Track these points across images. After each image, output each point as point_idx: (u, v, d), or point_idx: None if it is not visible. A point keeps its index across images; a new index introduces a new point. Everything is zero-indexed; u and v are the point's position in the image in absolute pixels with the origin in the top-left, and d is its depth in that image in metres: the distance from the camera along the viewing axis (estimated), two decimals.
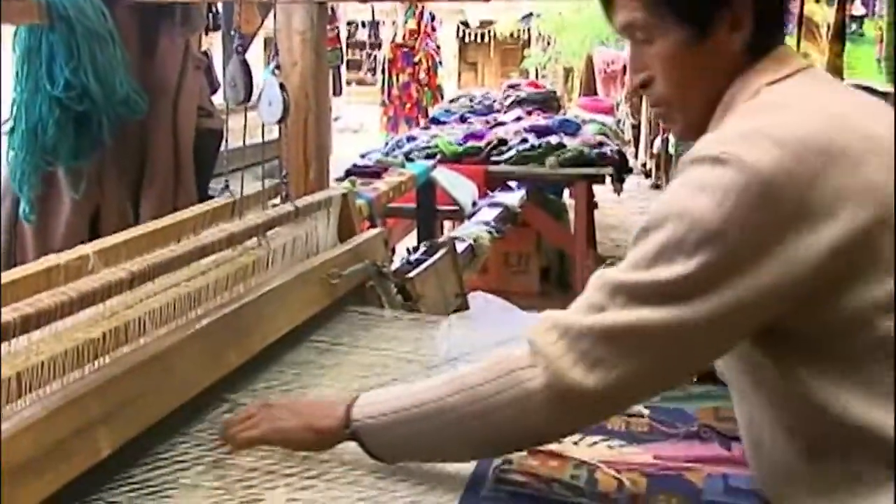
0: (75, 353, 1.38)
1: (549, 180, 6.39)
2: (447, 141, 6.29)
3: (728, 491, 1.47)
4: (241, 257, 1.90)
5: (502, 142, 6.26)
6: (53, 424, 1.25)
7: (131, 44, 2.77)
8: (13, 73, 2.60)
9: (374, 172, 4.23)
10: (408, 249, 2.89)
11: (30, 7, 2.53)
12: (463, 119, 7.41)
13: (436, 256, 2.71)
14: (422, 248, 2.82)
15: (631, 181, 9.48)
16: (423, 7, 11.09)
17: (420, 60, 11.00)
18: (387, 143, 6.84)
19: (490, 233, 4.32)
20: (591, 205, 7.34)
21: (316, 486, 1.42)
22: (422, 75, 11.00)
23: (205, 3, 3.18)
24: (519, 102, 7.88)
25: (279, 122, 2.24)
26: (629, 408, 1.65)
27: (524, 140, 6.26)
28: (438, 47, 11.66)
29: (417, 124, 9.57)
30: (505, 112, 7.58)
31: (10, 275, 1.52)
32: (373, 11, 11.14)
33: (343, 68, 10.64)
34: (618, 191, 6.86)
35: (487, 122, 7.05)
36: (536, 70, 15.77)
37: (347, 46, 11.70)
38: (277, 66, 2.34)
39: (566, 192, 7.25)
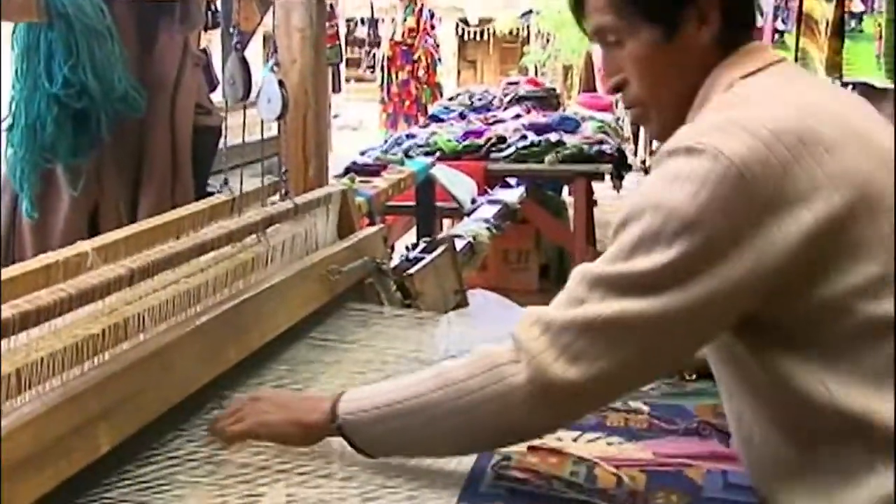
0: (75, 350, 1.38)
1: (548, 177, 6.39)
2: (446, 138, 6.29)
3: (727, 487, 1.47)
4: (241, 254, 1.90)
5: (501, 139, 6.26)
6: (53, 421, 1.25)
7: (130, 41, 2.76)
8: (12, 71, 2.60)
9: (374, 170, 4.23)
10: (407, 247, 2.89)
11: (28, 5, 2.52)
12: (462, 116, 7.41)
13: (435, 253, 2.71)
14: (421, 246, 2.82)
15: (630, 178, 9.48)
16: (422, 4, 11.09)
17: (419, 58, 10.99)
18: (386, 141, 6.84)
19: (489, 230, 4.32)
20: (591, 202, 7.33)
21: (316, 482, 1.42)
22: (421, 73, 10.99)
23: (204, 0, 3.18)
24: (518, 100, 7.88)
25: (278, 119, 2.24)
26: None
27: (523, 137, 6.26)
28: (437, 45, 11.65)
29: (416, 122, 9.57)
30: (504, 109, 7.57)
31: (8, 272, 1.51)
32: (372, 9, 11.13)
33: (342, 66, 10.64)
34: (617, 188, 6.86)
35: (486, 120, 7.04)
36: (536, 67, 15.76)
37: (347, 44, 11.70)
38: (276, 64, 2.33)
39: (565, 190, 7.26)
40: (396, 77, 11.01)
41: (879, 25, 3.51)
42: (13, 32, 2.60)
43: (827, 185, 1.24)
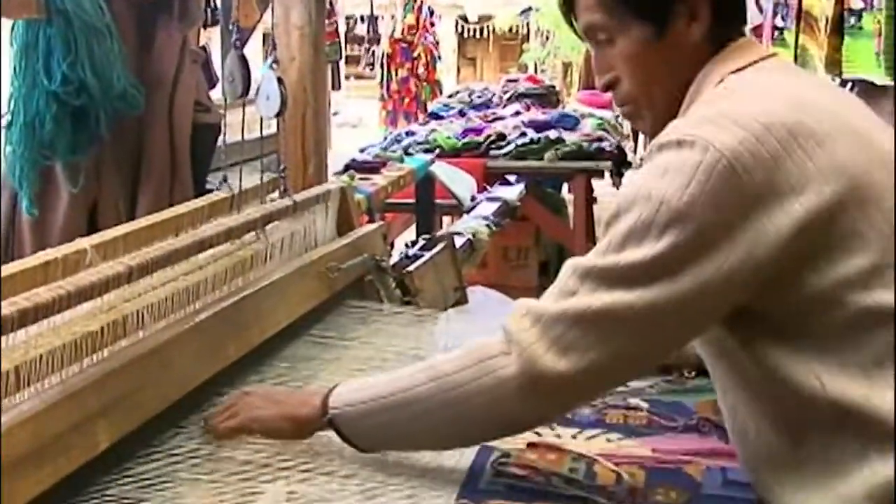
0: (73, 347, 1.38)
1: (547, 174, 6.39)
2: (446, 135, 6.29)
3: (727, 484, 1.47)
4: (240, 251, 1.90)
5: (501, 136, 6.26)
6: (52, 418, 1.25)
7: (128, 38, 2.76)
8: (10, 68, 2.60)
9: (373, 167, 4.24)
10: (406, 244, 2.89)
11: (28, 1, 2.52)
12: (462, 114, 7.40)
13: (434, 251, 2.71)
14: (420, 243, 2.82)
15: (630, 175, 9.47)
16: (421, 2, 11.08)
17: (419, 55, 10.98)
18: (385, 138, 6.83)
19: (489, 227, 4.32)
20: (590, 199, 7.33)
21: (315, 479, 1.42)
22: (420, 70, 10.98)
23: None
24: (518, 97, 7.87)
25: (277, 116, 2.24)
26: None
27: (523, 134, 6.26)
28: (437, 42, 11.65)
29: (416, 119, 9.57)
30: (503, 107, 7.56)
31: (7, 269, 1.51)
32: (371, 6, 11.10)
33: (342, 63, 10.63)
34: (616, 185, 6.86)
35: (486, 117, 7.04)
36: (535, 65, 15.77)
37: (346, 41, 11.69)
38: (275, 61, 2.33)
39: (565, 187, 7.26)
40: (396, 74, 10.99)
41: (879, 22, 3.50)
42: (12, 29, 2.60)
43: (817, 177, 1.25)
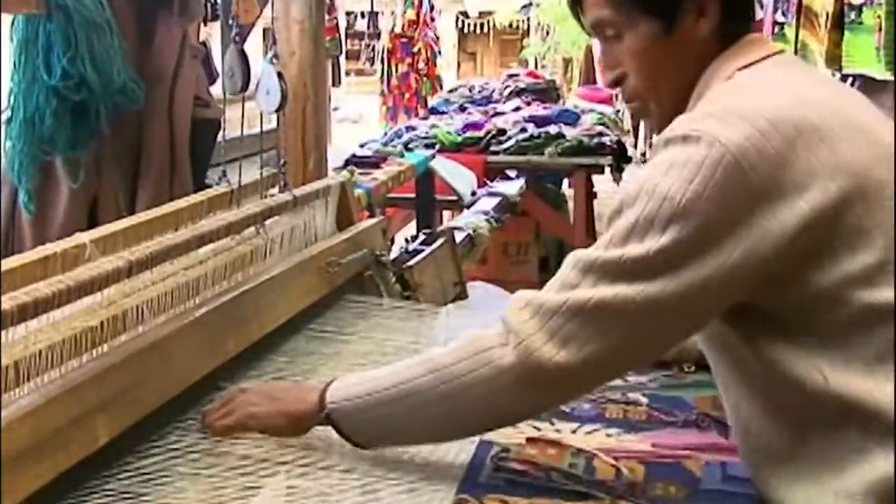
0: (73, 342, 1.38)
1: (548, 170, 6.38)
2: (446, 131, 6.29)
3: (726, 479, 1.47)
4: (240, 246, 1.89)
5: (501, 132, 6.25)
6: (51, 413, 1.25)
7: (128, 33, 2.76)
8: (10, 64, 2.60)
9: (373, 162, 4.22)
10: (406, 239, 2.89)
11: None
12: (462, 109, 7.40)
13: (434, 246, 2.71)
14: (420, 238, 2.82)
15: (630, 171, 9.48)
16: None
17: (419, 50, 10.98)
18: (386, 133, 6.83)
19: (489, 222, 4.31)
20: (591, 194, 7.33)
21: (315, 474, 1.42)
22: (421, 65, 10.97)
23: None
24: (518, 92, 7.86)
25: (277, 111, 2.24)
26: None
27: (523, 130, 6.26)
28: (437, 37, 11.64)
29: (416, 114, 9.56)
30: (504, 102, 7.56)
31: (6, 263, 1.51)
32: (372, 1, 11.12)
33: (342, 58, 10.63)
34: (617, 180, 6.86)
35: (486, 112, 7.03)
36: (536, 60, 15.76)
37: (346, 36, 11.68)
38: (275, 56, 2.33)
39: (565, 182, 7.25)
40: (396, 70, 10.98)
41: (879, 17, 3.50)
42: (12, 24, 2.59)
43: (822, 174, 1.25)
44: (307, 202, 2.17)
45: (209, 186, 2.51)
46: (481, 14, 19.87)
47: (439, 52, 11.57)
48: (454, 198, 4.83)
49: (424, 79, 10.90)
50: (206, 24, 3.44)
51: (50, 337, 1.35)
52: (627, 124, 11.02)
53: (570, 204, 6.61)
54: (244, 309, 1.75)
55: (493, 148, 6.14)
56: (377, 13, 11.32)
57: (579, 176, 6.26)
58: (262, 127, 2.23)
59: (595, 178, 7.13)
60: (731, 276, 1.25)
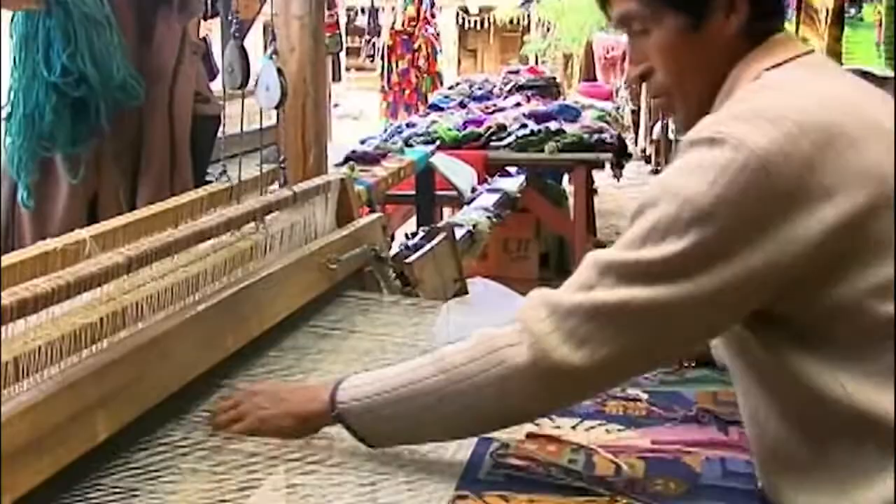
0: (73, 338, 1.38)
1: (548, 166, 6.39)
2: (446, 127, 6.29)
3: (726, 475, 1.47)
4: (239, 242, 1.89)
5: (501, 128, 6.26)
6: (51, 409, 1.24)
7: (128, 29, 2.76)
8: (10, 60, 2.60)
9: (374, 159, 4.23)
10: (406, 235, 2.89)
11: None
12: (462, 105, 7.41)
13: (434, 242, 2.71)
14: (420, 234, 2.82)
15: (631, 167, 9.48)
16: None
17: (419, 47, 10.98)
18: (386, 130, 6.84)
19: (489, 218, 4.32)
20: (591, 191, 7.34)
21: (315, 470, 1.42)
22: (421, 62, 10.98)
23: None
24: (518, 88, 7.88)
25: (277, 107, 2.24)
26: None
27: (523, 126, 6.27)
28: (438, 34, 11.64)
29: (417, 111, 9.57)
30: (504, 98, 7.58)
31: (6, 259, 1.51)
32: None
33: (342, 55, 10.62)
34: (617, 176, 6.88)
35: (486, 109, 7.04)
36: (536, 56, 15.75)
37: (347, 33, 11.68)
38: (275, 52, 2.33)
39: (565, 178, 7.26)
40: (396, 66, 10.99)
41: (879, 13, 3.50)
42: (11, 20, 2.59)
43: (851, 181, 1.22)
44: (307, 198, 2.17)
45: (209, 182, 2.51)
46: (481, 10, 19.86)
47: (440, 50, 11.59)
48: (454, 194, 4.83)
49: (425, 75, 10.91)
50: (206, 21, 3.44)
51: (49, 333, 1.35)
52: (628, 121, 11.04)
53: (571, 200, 6.62)
54: (244, 305, 1.75)
55: (493, 144, 6.15)
56: (377, 9, 11.32)
57: (579, 172, 6.27)
58: (261, 123, 2.24)
59: (595, 174, 7.14)
60: (751, 283, 1.24)
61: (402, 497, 1.36)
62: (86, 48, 2.55)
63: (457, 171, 4.94)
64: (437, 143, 5.87)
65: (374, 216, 2.51)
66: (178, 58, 2.91)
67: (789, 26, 4.33)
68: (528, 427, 1.57)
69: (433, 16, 11.39)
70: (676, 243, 1.24)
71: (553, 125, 6.27)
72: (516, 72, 8.81)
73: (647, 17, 1.40)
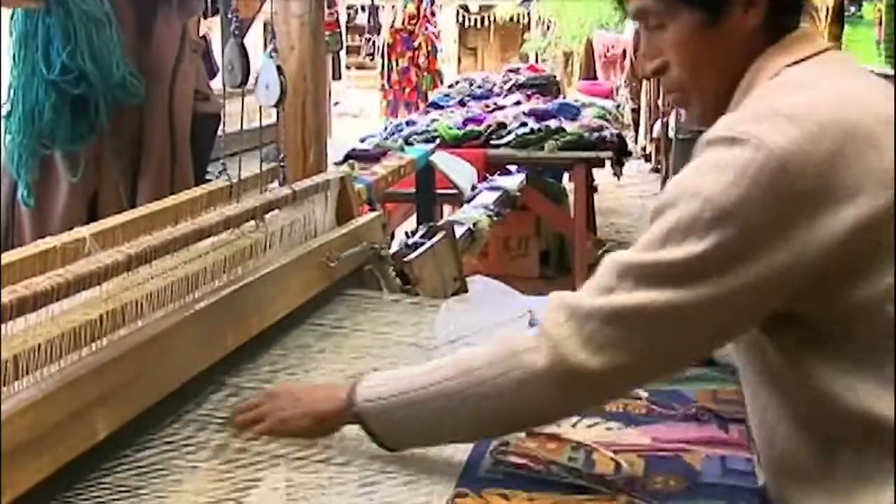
0: (72, 336, 1.38)
1: (548, 164, 6.39)
2: (446, 125, 6.29)
3: (726, 473, 1.47)
4: (239, 240, 1.89)
5: (502, 126, 6.26)
6: (50, 406, 1.25)
7: (128, 27, 2.76)
8: (10, 57, 2.60)
9: (374, 157, 4.23)
10: (406, 233, 2.89)
11: None
12: (462, 103, 7.41)
13: (434, 240, 2.70)
14: (420, 232, 2.81)
15: (631, 165, 9.49)
16: None
17: (419, 45, 10.98)
18: (386, 128, 6.84)
19: (489, 216, 4.31)
20: (591, 189, 7.34)
21: (314, 467, 1.42)
22: (421, 60, 10.98)
23: None
24: (518, 87, 7.88)
25: (276, 105, 2.24)
26: (634, 390, 1.64)
27: (524, 124, 6.27)
28: (438, 32, 11.64)
29: (417, 109, 9.57)
30: (504, 96, 7.58)
31: (6, 257, 1.51)
32: None
33: (342, 53, 10.63)
34: (617, 175, 6.87)
35: (487, 107, 7.05)
36: (536, 54, 15.76)
37: (347, 31, 11.69)
38: (275, 50, 2.33)
39: (566, 176, 7.27)
40: (397, 64, 10.99)
41: (879, 11, 3.51)
42: (11, 18, 2.59)
43: (873, 181, 1.21)
44: (307, 196, 2.17)
45: (209, 181, 2.51)
46: (482, 8, 19.85)
47: (441, 49, 11.59)
48: (454, 192, 4.82)
49: (425, 73, 10.91)
50: (206, 19, 3.44)
51: (49, 331, 1.35)
52: (628, 119, 11.04)
53: (571, 198, 6.62)
54: (244, 303, 1.75)
55: (493, 142, 6.15)
56: (377, 8, 11.32)
57: (579, 170, 6.27)
58: (261, 121, 2.23)
59: (595, 172, 7.13)
60: (771, 283, 1.22)
61: (402, 495, 1.36)
62: (85, 46, 2.56)
63: (457, 169, 4.93)
64: (438, 141, 5.87)
65: (374, 214, 2.51)
66: (177, 56, 2.92)
67: None
68: None
69: (433, 14, 11.39)
70: (697, 244, 1.22)
71: (553, 123, 6.27)
72: (516, 70, 8.81)
73: (663, 12, 1.38)
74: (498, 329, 2.05)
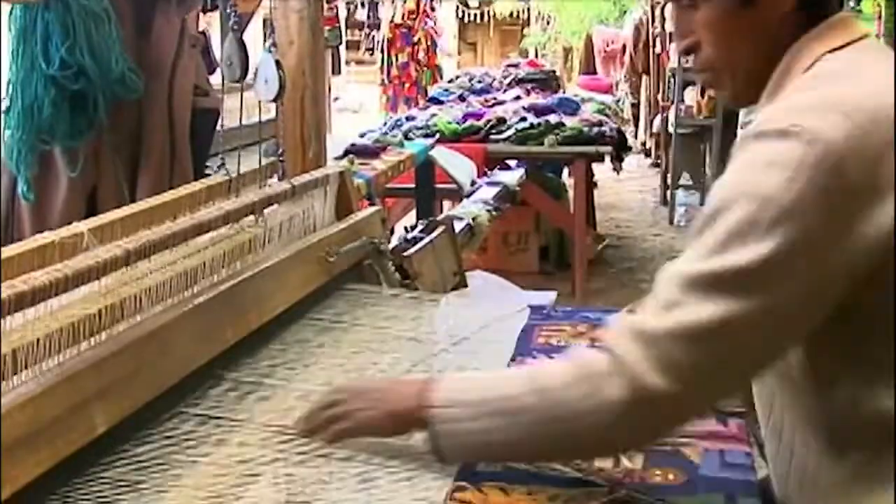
0: (71, 330, 1.38)
1: (548, 159, 6.40)
2: (446, 120, 6.30)
3: (725, 466, 1.46)
4: (238, 235, 1.89)
5: (501, 121, 6.27)
6: (50, 401, 1.25)
7: (126, 23, 2.76)
8: (8, 53, 2.60)
9: (373, 152, 4.23)
10: (405, 228, 2.89)
11: None
12: (462, 98, 7.41)
13: (433, 235, 2.71)
14: (419, 227, 2.82)
15: (630, 160, 9.49)
16: None
17: (419, 40, 10.97)
18: (385, 123, 6.84)
19: (489, 211, 4.31)
20: (591, 184, 7.35)
21: (313, 461, 1.42)
22: (421, 55, 10.98)
23: None
24: (518, 81, 7.88)
25: (275, 99, 2.23)
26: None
27: (523, 119, 6.27)
28: (437, 27, 11.63)
29: (416, 104, 9.57)
30: (504, 91, 7.58)
31: (4, 252, 1.51)
32: None
33: (342, 48, 10.62)
34: (617, 170, 6.88)
35: (486, 102, 7.05)
36: (536, 49, 15.76)
37: (346, 26, 11.67)
38: (274, 44, 2.33)
39: (565, 171, 7.27)
40: (396, 59, 10.99)
41: (879, 5, 3.50)
42: (10, 13, 2.59)
43: None
44: (306, 191, 2.17)
45: (209, 176, 2.51)
46: (481, 3, 19.84)
47: (440, 46, 11.58)
48: (454, 187, 4.83)
49: (424, 68, 10.90)
50: (205, 14, 3.43)
51: (48, 325, 1.35)
52: (627, 113, 11.04)
53: (570, 193, 6.62)
54: (243, 297, 1.75)
55: (492, 137, 6.16)
56: (377, 3, 11.31)
57: (579, 165, 6.27)
58: (260, 116, 2.23)
59: (595, 167, 7.14)
60: (833, 284, 1.19)
61: (401, 488, 1.36)
62: (84, 41, 2.56)
63: (456, 164, 4.94)
64: (437, 136, 5.88)
65: (373, 209, 2.51)
66: (176, 51, 2.92)
67: None
68: None
69: (433, 9, 11.38)
70: (759, 246, 1.17)
71: (553, 118, 6.27)
72: (516, 65, 8.81)
73: None
74: (497, 323, 2.05)
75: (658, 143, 10.36)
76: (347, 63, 12.97)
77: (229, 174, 2.19)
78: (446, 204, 5.63)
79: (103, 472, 1.33)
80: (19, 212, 2.73)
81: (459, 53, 19.87)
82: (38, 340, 1.32)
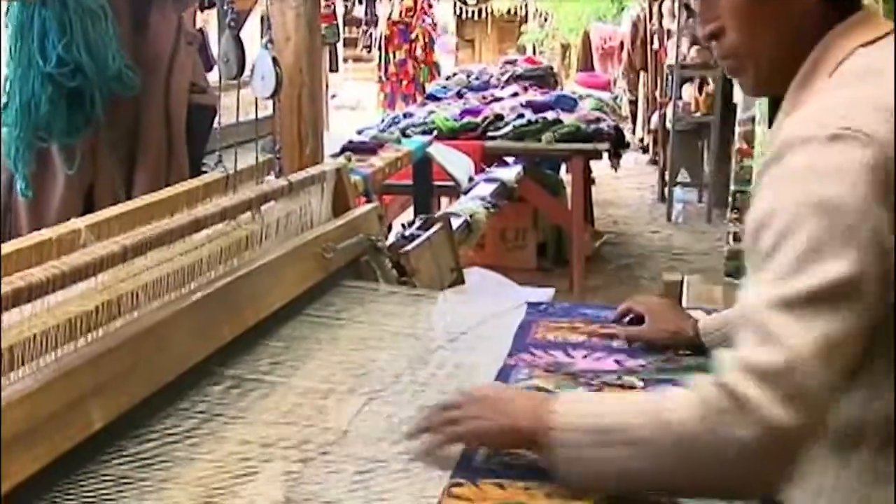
0: (68, 327, 1.38)
1: (545, 156, 6.39)
2: (444, 117, 6.29)
3: None
4: (235, 232, 1.89)
5: (499, 117, 6.26)
6: (46, 397, 1.25)
7: (123, 20, 2.76)
8: (5, 50, 2.60)
9: (371, 149, 4.23)
10: (402, 224, 2.89)
11: None
12: (460, 95, 7.41)
13: (431, 231, 2.71)
14: (416, 223, 2.82)
15: (628, 157, 9.50)
16: None
17: (416, 37, 10.97)
18: (383, 120, 6.84)
19: (486, 208, 4.32)
20: (588, 180, 7.35)
21: (312, 458, 1.42)
22: (418, 52, 10.97)
23: None
24: (516, 78, 7.88)
25: (272, 96, 2.24)
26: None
27: (521, 116, 6.27)
28: (435, 24, 11.63)
29: (414, 101, 9.57)
30: (501, 88, 7.58)
31: (2, 248, 1.51)
32: None
33: (340, 45, 10.62)
34: (615, 166, 6.88)
35: (484, 98, 7.05)
36: (534, 46, 15.76)
37: (344, 23, 11.65)
38: (270, 41, 2.33)
39: (563, 168, 7.27)
40: (394, 56, 10.98)
41: (878, 3, 3.50)
42: (7, 11, 2.59)
43: None
44: (303, 188, 2.17)
45: (206, 172, 2.52)
46: (479, 0, 19.82)
47: (436, 42, 11.58)
48: (452, 184, 4.83)
49: (422, 65, 10.90)
50: (202, 11, 3.44)
51: (45, 321, 1.35)
52: (625, 110, 11.04)
53: (568, 190, 6.63)
54: (240, 294, 1.75)
55: (490, 134, 6.15)
56: (375, 0, 11.30)
57: (577, 162, 6.27)
58: (257, 113, 2.24)
59: (593, 163, 7.14)
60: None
61: (398, 484, 1.36)
62: (81, 38, 2.56)
63: (454, 161, 4.94)
64: (435, 133, 5.87)
65: (371, 206, 2.51)
66: (173, 48, 2.92)
67: None
68: None
69: (430, 6, 11.38)
70: (841, 256, 1.16)
71: (550, 115, 6.27)
72: (514, 62, 8.81)
73: None
74: (494, 320, 2.06)
75: (656, 140, 10.36)
76: (345, 60, 12.95)
77: (226, 171, 2.19)
78: (444, 201, 5.63)
79: (101, 469, 1.32)
80: (16, 209, 2.74)
81: (457, 50, 19.86)
82: (35, 337, 1.32)
